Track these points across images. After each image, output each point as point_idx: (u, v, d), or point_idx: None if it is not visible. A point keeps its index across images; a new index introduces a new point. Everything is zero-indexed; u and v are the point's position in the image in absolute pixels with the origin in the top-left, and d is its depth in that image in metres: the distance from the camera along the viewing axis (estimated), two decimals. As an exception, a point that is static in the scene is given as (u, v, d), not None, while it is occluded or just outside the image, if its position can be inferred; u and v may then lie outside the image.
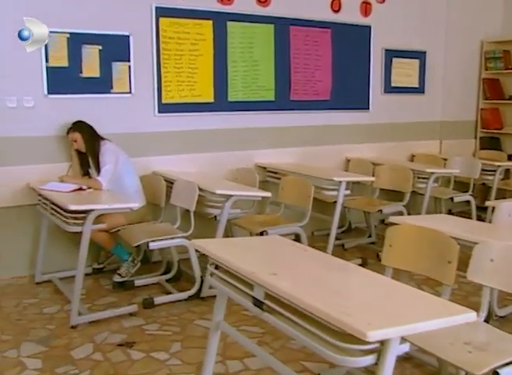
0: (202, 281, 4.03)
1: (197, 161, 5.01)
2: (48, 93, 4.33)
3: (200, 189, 4.09)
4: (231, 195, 4.04)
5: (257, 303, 2.03)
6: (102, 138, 4.32)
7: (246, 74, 5.19)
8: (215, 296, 3.85)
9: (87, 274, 3.99)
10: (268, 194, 4.24)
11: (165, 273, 4.44)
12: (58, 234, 4.33)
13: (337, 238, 4.90)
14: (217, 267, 2.37)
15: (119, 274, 4.23)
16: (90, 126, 4.30)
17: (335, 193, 4.72)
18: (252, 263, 2.19)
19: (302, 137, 5.62)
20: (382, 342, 1.65)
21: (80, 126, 4.27)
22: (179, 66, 4.83)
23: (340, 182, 4.60)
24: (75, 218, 3.59)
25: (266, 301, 1.98)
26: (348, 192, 4.85)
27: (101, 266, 4.60)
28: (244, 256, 2.34)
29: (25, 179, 4.28)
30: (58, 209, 3.75)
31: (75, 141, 4.27)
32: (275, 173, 5.18)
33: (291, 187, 4.55)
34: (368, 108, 6.07)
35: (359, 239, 5.58)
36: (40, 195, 4.13)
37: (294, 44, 5.43)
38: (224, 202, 4.05)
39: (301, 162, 5.48)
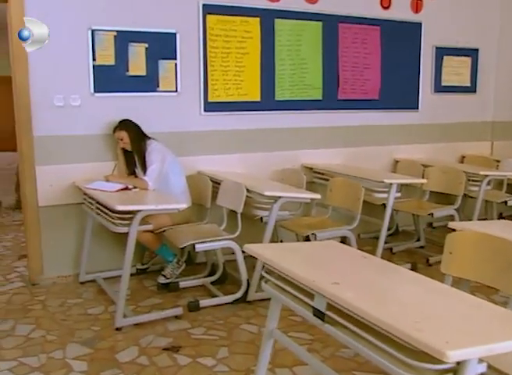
0: (248, 284, 3.94)
1: (243, 161, 4.92)
2: (95, 91, 4.29)
3: (248, 190, 3.99)
4: (280, 197, 3.92)
5: (318, 314, 1.91)
6: (149, 137, 4.26)
7: (293, 73, 5.06)
8: (261, 300, 3.86)
9: (131, 275, 3.92)
10: (317, 196, 4.11)
11: (210, 274, 4.37)
12: (103, 234, 4.31)
13: (385, 242, 4.74)
14: (267, 272, 2.27)
15: (164, 275, 4.17)
16: (137, 125, 4.24)
17: (384, 195, 4.59)
18: (311, 271, 2.07)
19: (349, 137, 5.48)
20: (459, 362, 1.52)
21: (126, 125, 4.21)
22: (225, 65, 4.74)
23: (391, 184, 4.45)
24: (121, 218, 3.53)
25: (328, 313, 1.86)
26: (399, 195, 4.70)
27: (145, 266, 4.56)
28: (301, 263, 2.23)
29: (71, 177, 4.25)
30: (104, 209, 3.70)
31: (121, 140, 4.22)
32: (322, 174, 5.04)
33: (340, 189, 4.41)
34: (418, 108, 5.88)
35: (408, 243, 5.39)
36: (85, 194, 4.09)
37: (343, 41, 5.29)
38: (272, 204, 3.94)
39: (348, 163, 5.34)
